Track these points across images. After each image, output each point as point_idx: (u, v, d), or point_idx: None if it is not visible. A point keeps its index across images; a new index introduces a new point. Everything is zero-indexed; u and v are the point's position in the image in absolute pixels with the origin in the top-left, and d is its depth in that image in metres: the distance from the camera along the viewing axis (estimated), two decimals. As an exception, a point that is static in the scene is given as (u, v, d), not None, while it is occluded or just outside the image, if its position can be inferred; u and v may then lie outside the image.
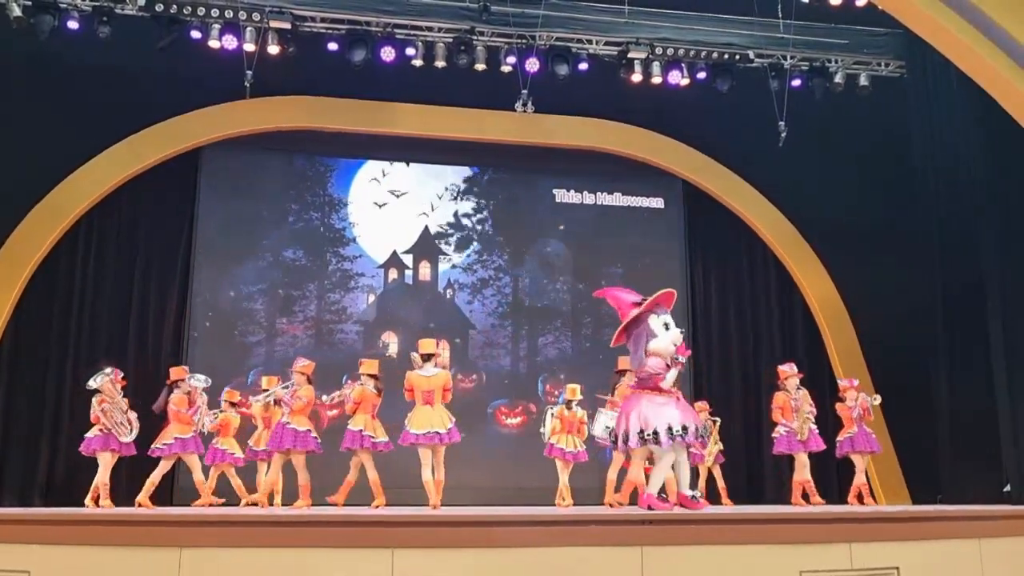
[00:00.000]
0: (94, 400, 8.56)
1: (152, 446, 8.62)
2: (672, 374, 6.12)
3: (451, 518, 5.45)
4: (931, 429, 10.71)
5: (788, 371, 9.06)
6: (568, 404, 9.13)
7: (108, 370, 8.66)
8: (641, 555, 5.18)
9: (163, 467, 8.64)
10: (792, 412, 8.81)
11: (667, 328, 6.12)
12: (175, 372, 8.91)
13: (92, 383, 8.56)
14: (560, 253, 12.74)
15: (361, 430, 8.08)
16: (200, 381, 8.89)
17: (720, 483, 10.13)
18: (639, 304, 6.23)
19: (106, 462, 8.53)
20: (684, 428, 5.94)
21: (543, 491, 9.54)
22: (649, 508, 6.03)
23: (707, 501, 6.63)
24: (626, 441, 6.10)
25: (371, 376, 8.31)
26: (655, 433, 5.96)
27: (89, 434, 8.61)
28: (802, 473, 8.74)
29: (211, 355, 11.25)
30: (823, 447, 8.91)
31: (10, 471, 10.55)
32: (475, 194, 12.69)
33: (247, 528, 5.24)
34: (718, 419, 10.22)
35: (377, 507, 7.92)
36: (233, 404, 9.51)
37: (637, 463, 6.95)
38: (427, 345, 8.13)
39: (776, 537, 5.48)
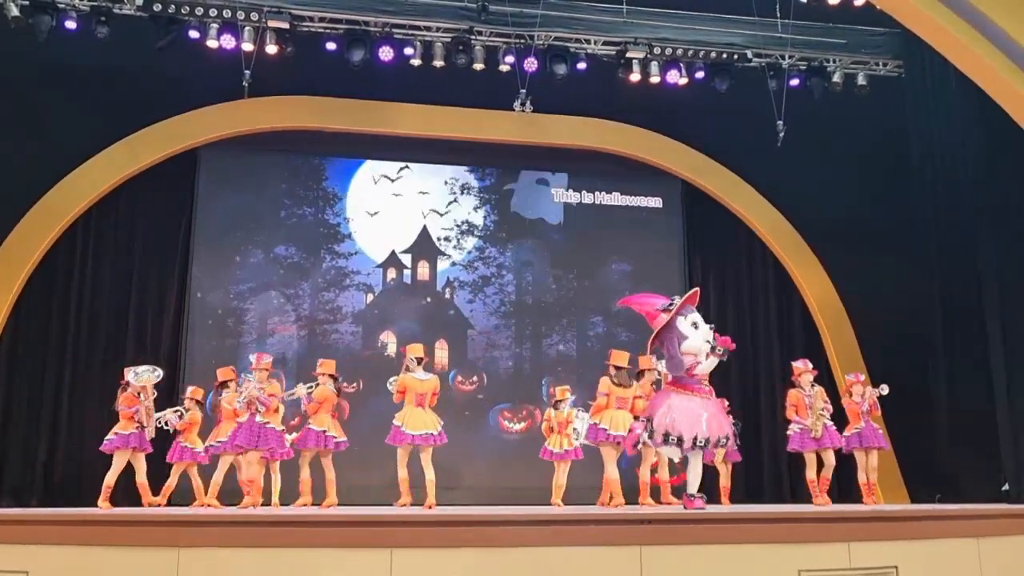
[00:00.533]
0: (138, 395, 8.47)
1: (205, 444, 8.75)
2: (707, 363, 6.24)
3: (450, 518, 5.45)
4: (930, 428, 10.71)
5: (802, 367, 8.91)
6: (556, 404, 9.21)
7: (158, 372, 8.63)
8: (640, 555, 5.19)
9: (223, 466, 8.66)
10: (806, 409, 8.69)
11: (696, 327, 6.23)
12: (223, 373, 9.04)
13: (137, 379, 8.45)
14: (559, 253, 12.72)
15: (325, 431, 8.28)
16: (252, 379, 8.92)
17: (726, 482, 9.95)
18: (668, 309, 6.29)
19: (139, 460, 8.61)
20: (707, 440, 6.09)
21: (544, 491, 9.52)
22: (685, 508, 6.18)
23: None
24: (651, 437, 6.18)
25: (330, 376, 8.45)
26: (679, 439, 6.07)
27: (122, 430, 8.49)
28: (810, 472, 8.66)
29: (209, 355, 11.24)
30: (840, 444, 8.77)
31: (8, 471, 10.52)
32: (474, 194, 12.67)
33: (245, 528, 5.24)
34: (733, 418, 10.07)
35: (329, 507, 8.19)
36: (198, 402, 9.35)
37: (646, 463, 6.96)
38: (417, 349, 8.35)
39: (775, 536, 5.49)
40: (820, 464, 8.83)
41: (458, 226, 12.52)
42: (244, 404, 7.99)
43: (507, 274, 12.56)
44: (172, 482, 9.15)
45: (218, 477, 8.56)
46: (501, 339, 12.39)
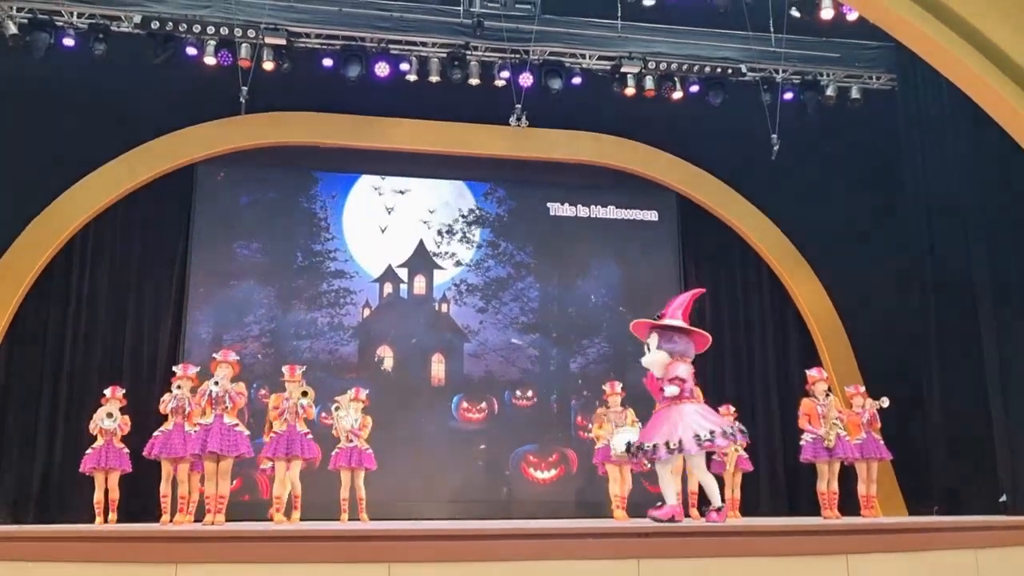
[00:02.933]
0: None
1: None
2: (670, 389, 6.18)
3: (448, 532, 5.45)
4: (927, 440, 10.72)
5: (816, 376, 8.76)
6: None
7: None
8: (638, 568, 5.19)
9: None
10: (819, 419, 8.58)
11: (647, 349, 6.30)
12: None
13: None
14: (556, 267, 12.72)
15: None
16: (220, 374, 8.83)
17: (735, 493, 9.79)
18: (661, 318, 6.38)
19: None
20: (680, 441, 5.98)
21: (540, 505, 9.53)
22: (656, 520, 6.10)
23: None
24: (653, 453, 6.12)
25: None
26: (654, 446, 6.05)
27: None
28: (821, 483, 8.59)
29: (207, 369, 11.16)
30: (854, 455, 8.64)
31: (4, 487, 10.49)
32: (469, 208, 12.69)
33: (243, 543, 5.23)
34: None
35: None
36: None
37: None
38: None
39: (773, 549, 5.49)
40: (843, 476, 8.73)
41: (454, 243, 12.49)
42: (215, 399, 7.36)
43: (505, 292, 12.42)
44: (116, 495, 8.53)
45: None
46: (510, 355, 12.10)
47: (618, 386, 9.20)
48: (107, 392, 8.75)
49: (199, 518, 7.93)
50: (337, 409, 8.88)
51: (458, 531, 5.56)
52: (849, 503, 8.89)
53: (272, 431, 8.05)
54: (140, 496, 9.29)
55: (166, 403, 8.09)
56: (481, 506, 11.02)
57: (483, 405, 11.33)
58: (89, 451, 8.48)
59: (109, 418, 8.45)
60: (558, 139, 12.35)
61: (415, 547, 5.21)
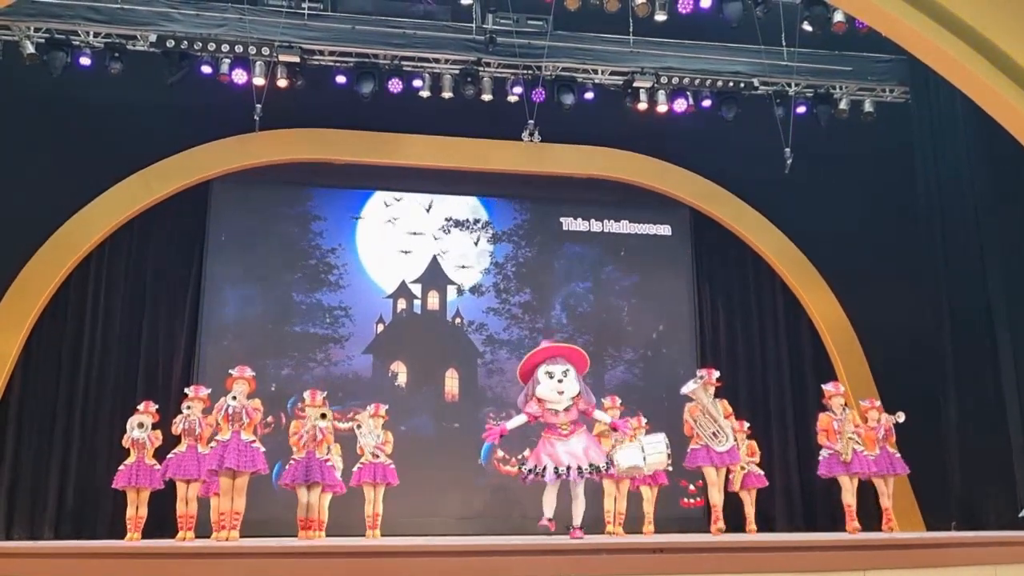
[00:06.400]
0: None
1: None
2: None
3: (461, 548, 5.43)
4: (944, 454, 10.63)
5: (832, 390, 8.73)
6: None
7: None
8: (653, 584, 5.16)
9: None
10: (836, 434, 8.53)
11: (550, 377, 6.90)
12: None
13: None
14: (569, 282, 12.71)
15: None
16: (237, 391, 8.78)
17: (749, 510, 9.52)
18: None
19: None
20: (568, 468, 6.64)
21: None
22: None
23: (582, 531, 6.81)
24: (542, 475, 6.73)
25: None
26: (544, 470, 6.68)
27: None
28: (846, 496, 8.53)
29: (221, 387, 11.19)
30: (872, 469, 8.59)
31: (20, 503, 10.54)
32: (482, 224, 12.72)
33: (256, 559, 5.24)
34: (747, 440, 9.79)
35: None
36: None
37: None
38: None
39: (789, 565, 5.46)
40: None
41: (467, 259, 12.48)
42: (232, 416, 7.33)
43: (523, 311, 12.35)
44: (144, 513, 8.40)
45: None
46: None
47: (617, 401, 9.15)
48: (140, 407, 8.71)
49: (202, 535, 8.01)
50: (359, 428, 8.89)
51: (471, 547, 5.54)
52: (867, 517, 8.82)
53: (292, 457, 8.15)
54: (156, 513, 9.31)
55: (177, 424, 8.12)
56: (493, 523, 10.95)
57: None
58: (122, 468, 8.43)
59: (140, 428, 8.41)
60: (571, 154, 12.38)
61: (427, 563, 5.20)
